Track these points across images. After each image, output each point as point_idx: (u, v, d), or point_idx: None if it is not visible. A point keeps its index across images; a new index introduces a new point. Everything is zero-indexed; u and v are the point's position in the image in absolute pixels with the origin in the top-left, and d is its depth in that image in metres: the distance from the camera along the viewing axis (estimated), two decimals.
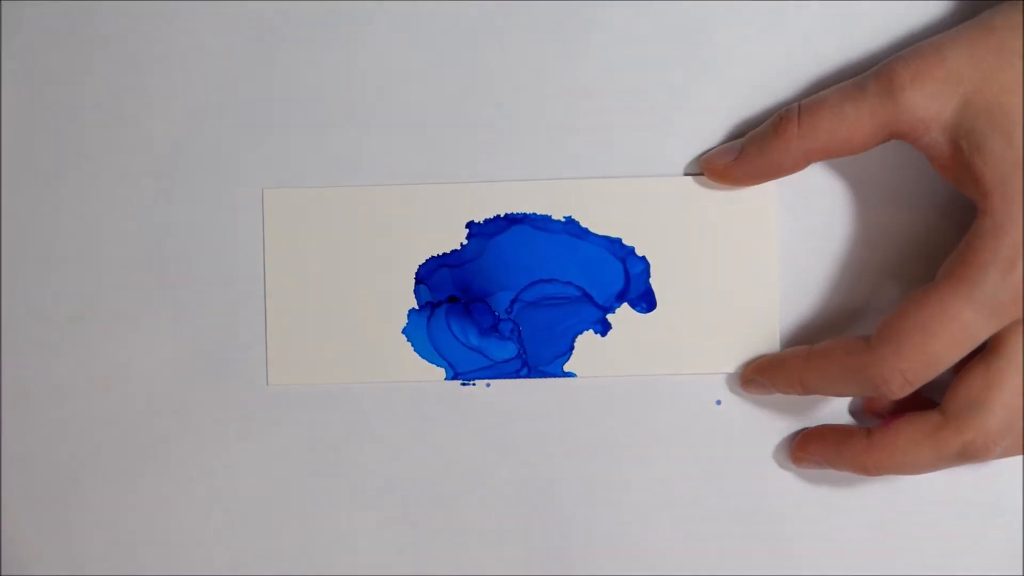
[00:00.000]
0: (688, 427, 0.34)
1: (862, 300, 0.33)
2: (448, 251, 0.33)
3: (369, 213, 0.33)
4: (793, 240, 0.33)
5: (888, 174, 0.33)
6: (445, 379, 0.34)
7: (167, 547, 0.34)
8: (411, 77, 0.33)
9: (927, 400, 0.32)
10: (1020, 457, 0.33)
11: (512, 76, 0.33)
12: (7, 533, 0.35)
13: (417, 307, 0.34)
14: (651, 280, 0.33)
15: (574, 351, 0.33)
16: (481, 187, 0.33)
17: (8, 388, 0.34)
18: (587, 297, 0.33)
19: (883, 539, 0.34)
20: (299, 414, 0.34)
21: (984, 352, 0.29)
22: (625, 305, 0.33)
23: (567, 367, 0.34)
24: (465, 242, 0.33)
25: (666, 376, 0.34)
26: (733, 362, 0.33)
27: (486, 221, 0.33)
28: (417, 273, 0.34)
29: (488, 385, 0.34)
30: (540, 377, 0.34)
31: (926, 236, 0.33)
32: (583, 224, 0.33)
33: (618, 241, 0.33)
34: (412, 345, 0.34)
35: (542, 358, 0.34)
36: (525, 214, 0.33)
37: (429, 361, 0.34)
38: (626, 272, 0.33)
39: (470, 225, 0.33)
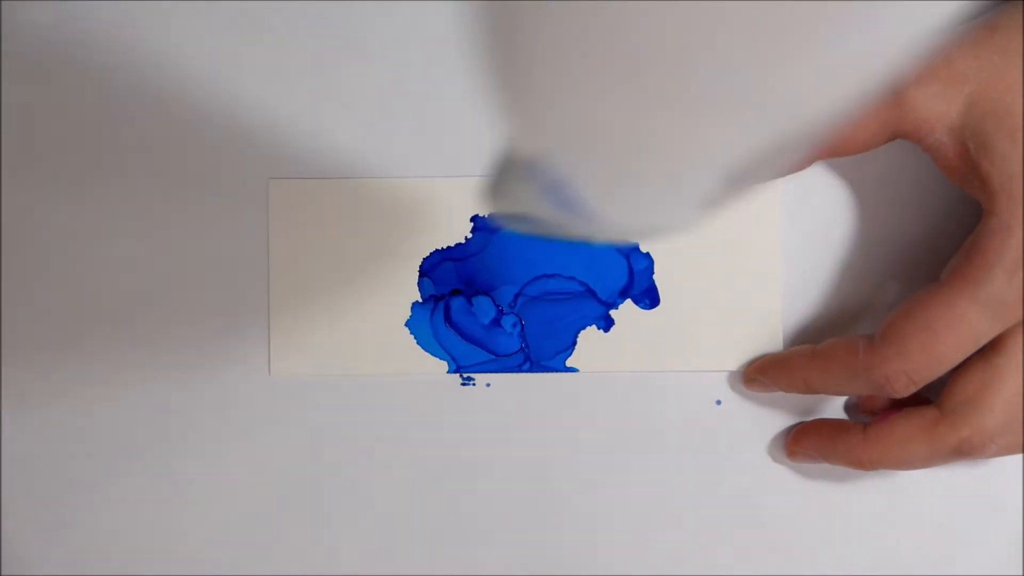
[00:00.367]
0: (688, 426, 0.34)
1: (865, 299, 0.33)
2: (452, 245, 0.33)
3: (374, 205, 0.33)
4: (797, 239, 0.33)
5: (891, 174, 0.33)
6: (447, 372, 0.34)
7: (167, 546, 0.34)
8: (418, 70, 0.33)
9: (923, 397, 0.32)
10: (1020, 457, 0.33)
11: None
12: (7, 533, 0.34)
13: (420, 300, 0.34)
14: (655, 276, 0.33)
15: (577, 346, 0.33)
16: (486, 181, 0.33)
17: (8, 388, 0.34)
18: (590, 292, 0.33)
19: (883, 539, 0.34)
20: (300, 405, 0.34)
21: (984, 350, 0.29)
22: (628, 301, 0.33)
23: (569, 362, 0.34)
24: (470, 236, 0.33)
25: (668, 374, 0.34)
26: (736, 360, 0.33)
27: (491, 215, 0.33)
28: (421, 266, 0.34)
29: (488, 385, 0.34)
30: (542, 372, 0.34)
31: (929, 236, 0.33)
32: None
33: None
34: (415, 338, 0.34)
35: (544, 353, 0.34)
36: None
37: (432, 354, 0.34)
38: (630, 268, 0.33)
39: (475, 219, 0.33)
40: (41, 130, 0.34)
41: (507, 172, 0.21)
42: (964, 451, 0.29)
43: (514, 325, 0.34)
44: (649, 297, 0.33)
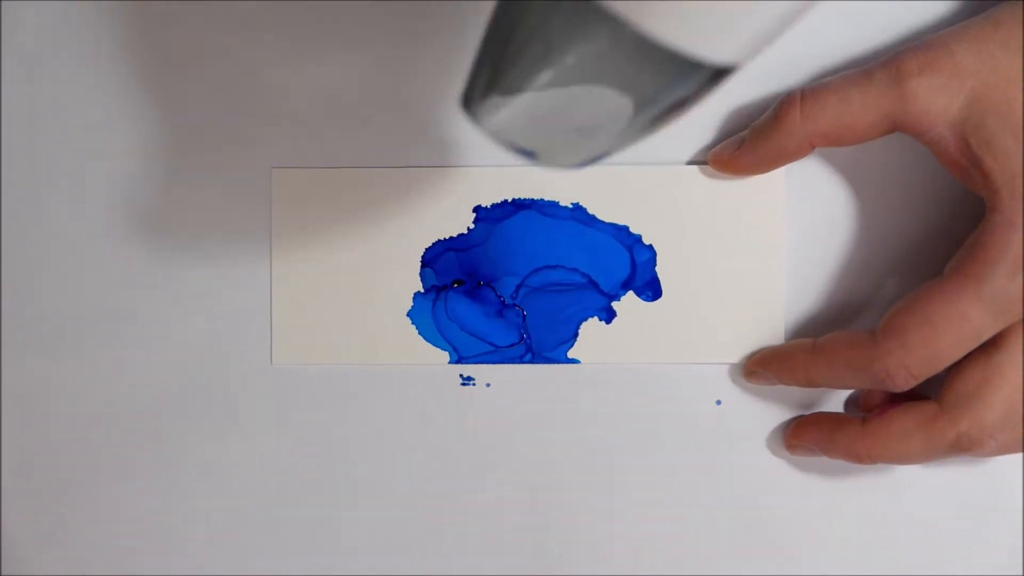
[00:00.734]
0: (688, 422, 0.34)
1: (867, 293, 0.33)
2: (455, 235, 0.33)
3: (377, 195, 0.33)
4: (799, 233, 0.33)
5: (894, 168, 0.33)
6: (449, 363, 0.34)
7: (167, 541, 0.34)
8: (422, 60, 0.33)
9: (922, 394, 0.31)
10: (1020, 457, 0.33)
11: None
12: (7, 533, 0.35)
13: (423, 290, 0.34)
14: (657, 269, 0.33)
15: (578, 338, 0.33)
16: (489, 172, 0.33)
17: (8, 388, 0.34)
18: (593, 284, 0.33)
19: (883, 539, 0.34)
20: (302, 394, 0.34)
21: (985, 346, 0.29)
22: (630, 293, 0.33)
23: (571, 354, 0.34)
24: (472, 226, 0.33)
25: (669, 366, 0.33)
26: (737, 353, 0.33)
27: (493, 206, 0.33)
28: (423, 256, 0.34)
29: (488, 385, 0.34)
30: (544, 363, 0.34)
31: (931, 231, 0.33)
32: (590, 211, 0.33)
33: (625, 229, 0.33)
34: (417, 328, 0.34)
35: (546, 344, 0.34)
36: (533, 200, 0.33)
37: (433, 344, 0.34)
38: (632, 260, 0.33)
39: (477, 209, 0.33)
40: (43, 117, 0.34)
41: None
42: (963, 446, 0.29)
43: (516, 316, 0.34)
44: (651, 289, 0.33)
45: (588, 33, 0.20)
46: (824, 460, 0.33)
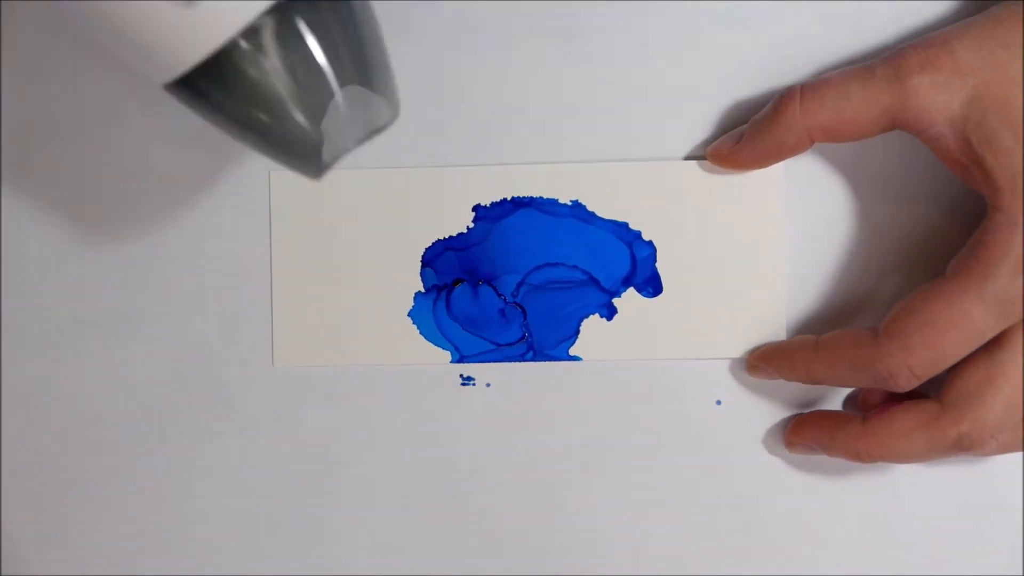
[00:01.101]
0: (688, 424, 0.34)
1: (869, 291, 0.33)
2: (454, 234, 0.33)
3: (375, 196, 0.33)
4: (801, 229, 0.33)
5: (894, 166, 0.33)
6: (451, 362, 0.34)
7: (168, 542, 0.35)
8: (419, 60, 0.33)
9: (921, 392, 0.31)
10: (1020, 457, 0.33)
11: (521, 58, 0.33)
12: (7, 533, 0.35)
13: (423, 290, 0.34)
14: (658, 265, 0.33)
15: (580, 335, 0.33)
16: (488, 170, 0.33)
17: (8, 388, 0.34)
18: (593, 281, 0.33)
19: (883, 539, 0.34)
20: (304, 396, 0.34)
21: (987, 345, 0.29)
22: (631, 289, 0.33)
23: (573, 351, 0.34)
24: (471, 225, 0.33)
25: (671, 363, 0.33)
26: (739, 348, 0.33)
27: (493, 204, 0.33)
28: (423, 256, 0.34)
29: (488, 385, 0.34)
30: (546, 361, 0.34)
31: (933, 228, 0.33)
32: (590, 208, 0.33)
33: (625, 225, 0.33)
34: (418, 328, 0.34)
35: (547, 342, 0.34)
36: (532, 198, 0.33)
37: (435, 344, 0.34)
38: (633, 256, 0.33)
39: (477, 208, 0.33)
40: (43, 117, 0.34)
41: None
42: (964, 445, 0.29)
43: (517, 314, 0.34)
44: (652, 285, 0.33)
45: None
46: (824, 460, 0.33)
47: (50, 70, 0.33)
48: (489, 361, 0.34)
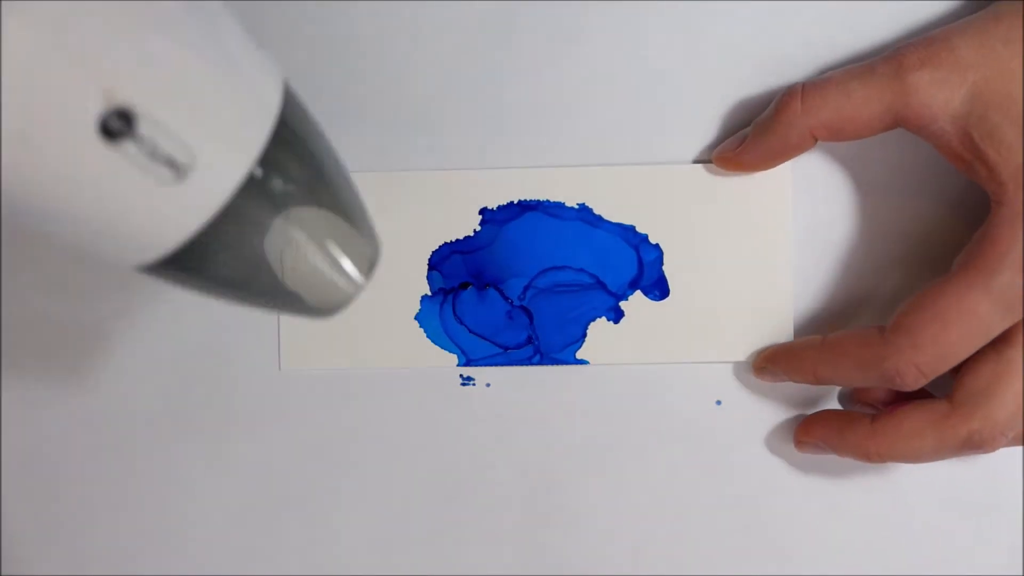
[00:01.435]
0: (687, 424, 0.34)
1: (874, 289, 0.33)
2: (461, 237, 0.33)
3: (382, 199, 0.33)
4: (806, 229, 0.33)
5: (898, 164, 0.33)
6: (457, 365, 0.34)
7: (169, 544, 0.34)
8: (428, 64, 0.33)
9: (925, 391, 0.31)
10: (1020, 457, 0.33)
11: (528, 61, 0.33)
12: (7, 533, 0.35)
13: (430, 293, 0.34)
14: (664, 268, 0.33)
15: (587, 338, 0.33)
16: (495, 174, 0.33)
17: (8, 388, 0.34)
18: (600, 284, 0.33)
19: (883, 539, 0.34)
20: (311, 399, 0.34)
21: (995, 343, 0.29)
22: (638, 292, 0.33)
23: (579, 354, 0.34)
24: (478, 228, 0.33)
25: (676, 367, 0.33)
26: (745, 350, 0.33)
27: (499, 208, 0.33)
28: (430, 259, 0.33)
29: (488, 385, 0.34)
30: (552, 364, 0.34)
31: (939, 226, 0.33)
32: (597, 211, 0.33)
33: (631, 228, 0.33)
34: (424, 331, 0.34)
35: (554, 345, 0.34)
36: (539, 201, 0.33)
37: (441, 347, 0.34)
38: (639, 259, 0.33)
39: (483, 211, 0.33)
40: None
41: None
42: (974, 443, 0.29)
43: (524, 318, 0.33)
44: (659, 288, 0.33)
45: None
46: (824, 460, 0.33)
47: None
48: (496, 365, 0.34)
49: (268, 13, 0.33)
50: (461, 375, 0.34)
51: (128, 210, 0.20)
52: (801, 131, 0.30)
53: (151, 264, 0.22)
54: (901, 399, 0.31)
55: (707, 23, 0.32)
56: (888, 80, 0.29)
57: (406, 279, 0.33)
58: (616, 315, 0.33)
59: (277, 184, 0.22)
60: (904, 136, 0.31)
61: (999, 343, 0.29)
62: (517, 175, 0.33)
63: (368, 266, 0.24)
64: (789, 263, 0.33)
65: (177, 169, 0.20)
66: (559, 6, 0.33)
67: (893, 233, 0.33)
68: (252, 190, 0.22)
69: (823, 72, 0.32)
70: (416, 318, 0.34)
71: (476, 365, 0.34)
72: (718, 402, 0.34)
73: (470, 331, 0.34)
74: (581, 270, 0.33)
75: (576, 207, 0.33)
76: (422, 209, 0.33)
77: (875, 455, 0.30)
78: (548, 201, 0.33)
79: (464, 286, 0.34)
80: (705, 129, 0.33)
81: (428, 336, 0.34)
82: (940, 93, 0.28)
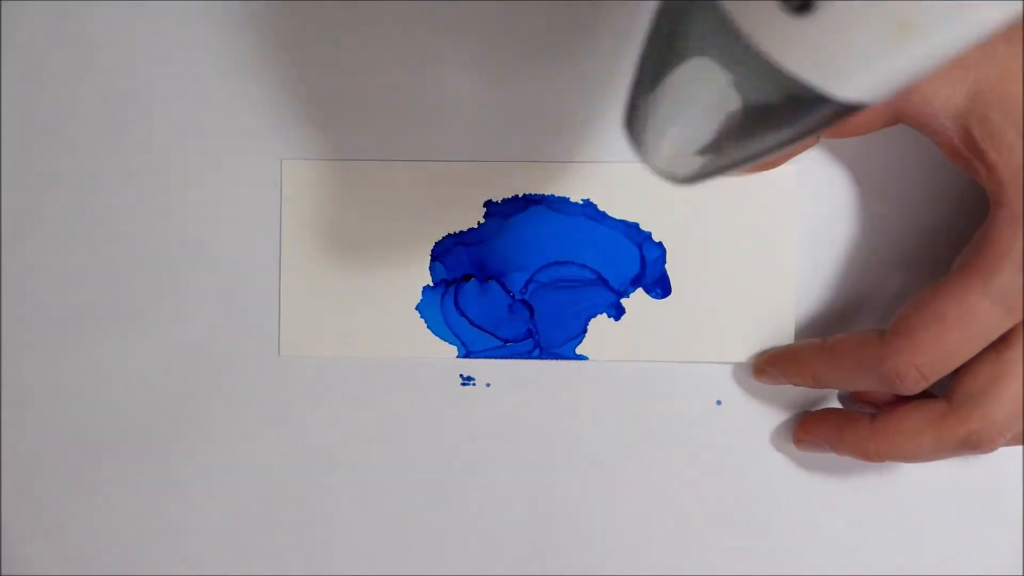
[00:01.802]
0: (687, 424, 0.34)
1: (877, 292, 0.33)
2: (465, 229, 0.33)
3: (387, 188, 0.33)
4: (808, 231, 0.33)
5: (902, 167, 0.33)
6: (457, 357, 0.34)
7: (169, 538, 0.34)
8: (434, 55, 0.33)
9: (927, 390, 0.31)
10: (1020, 457, 0.33)
11: (536, 56, 0.33)
12: (7, 533, 0.34)
13: (432, 284, 0.34)
14: (667, 266, 0.33)
15: (587, 334, 0.33)
16: (500, 167, 0.33)
17: (8, 388, 0.34)
18: (602, 281, 0.33)
19: (882, 538, 0.34)
20: (309, 387, 0.34)
21: (994, 344, 0.29)
22: (640, 290, 0.33)
23: (579, 350, 0.33)
24: (482, 221, 0.33)
25: (677, 365, 0.33)
26: (746, 351, 0.33)
27: (504, 201, 0.33)
28: (433, 250, 0.34)
29: (488, 385, 0.34)
30: (552, 359, 0.34)
31: (941, 228, 0.33)
32: (601, 208, 0.33)
33: (635, 226, 0.33)
34: (425, 322, 0.34)
35: (554, 340, 0.34)
36: (543, 195, 0.33)
37: (441, 338, 0.34)
38: (642, 257, 0.33)
39: (488, 204, 0.33)
40: (43, 117, 0.34)
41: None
42: (973, 444, 0.29)
43: (525, 311, 0.33)
44: (661, 287, 0.33)
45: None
46: (824, 459, 0.33)
47: (50, 70, 0.33)
48: (495, 357, 0.34)
49: (283, 8, 0.33)
50: (461, 375, 0.34)
51: None
52: None
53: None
54: (901, 399, 0.31)
55: None
56: None
57: (408, 269, 0.33)
58: (617, 312, 0.33)
59: None
60: (905, 137, 0.31)
61: (997, 345, 0.29)
62: (523, 169, 0.33)
63: None
64: (792, 264, 0.33)
65: None
66: (570, 4, 0.33)
67: (895, 235, 0.33)
68: None
69: None
70: (417, 308, 0.34)
71: (475, 357, 0.34)
72: (718, 402, 0.34)
73: (471, 323, 0.34)
74: (583, 266, 0.33)
75: (581, 203, 0.33)
76: (427, 200, 0.33)
77: (874, 454, 0.30)
78: (553, 196, 0.33)
79: (466, 278, 0.34)
80: None
81: (429, 327, 0.34)
82: (942, 90, 0.28)
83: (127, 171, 0.34)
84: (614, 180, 0.33)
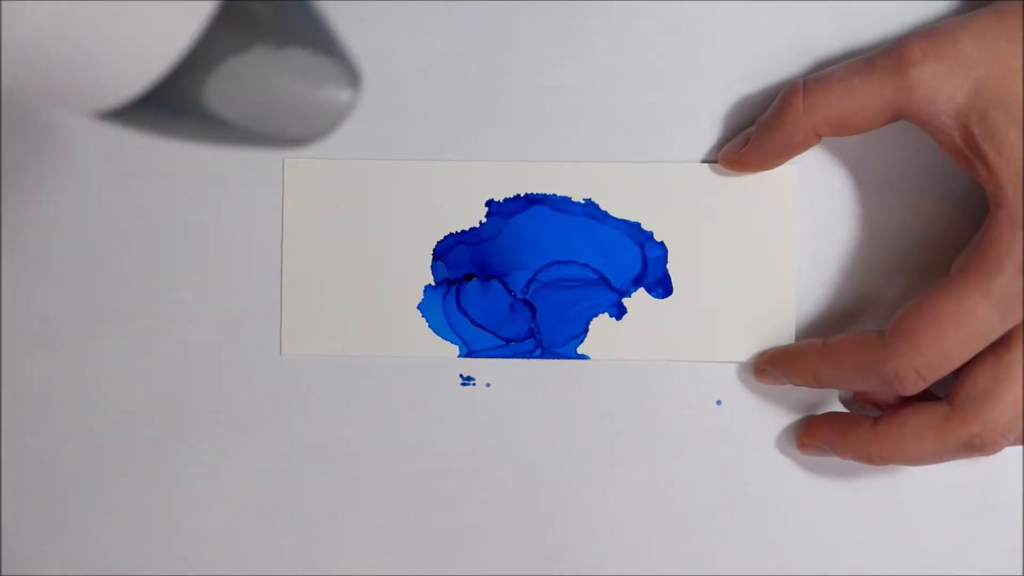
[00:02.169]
0: (688, 424, 0.34)
1: (876, 291, 0.33)
2: (467, 228, 0.33)
3: (389, 187, 0.33)
4: (809, 231, 0.33)
5: (903, 166, 0.33)
6: (458, 356, 0.34)
7: (170, 538, 0.34)
8: (437, 54, 0.33)
9: (928, 392, 0.31)
10: (1020, 457, 0.33)
11: (538, 56, 0.33)
12: (7, 533, 0.34)
13: (433, 283, 0.34)
14: (668, 266, 0.33)
15: (588, 334, 0.34)
16: (502, 166, 0.33)
17: (8, 388, 0.34)
18: (604, 280, 0.33)
19: (882, 538, 0.34)
20: (312, 386, 0.34)
21: (994, 346, 0.29)
22: (641, 290, 0.33)
23: (580, 349, 0.34)
24: (484, 220, 0.33)
25: (678, 364, 0.34)
26: (747, 351, 0.33)
27: (506, 200, 0.33)
28: (435, 249, 0.34)
29: (488, 385, 0.34)
30: (554, 358, 0.34)
31: (942, 229, 0.33)
32: (603, 207, 0.33)
33: (637, 226, 0.33)
34: (427, 321, 0.34)
35: (556, 339, 0.34)
36: (545, 195, 0.33)
37: (443, 337, 0.34)
38: (644, 257, 0.33)
39: (490, 203, 0.33)
40: (42, 116, 0.34)
41: None
42: (975, 446, 0.29)
43: (526, 311, 0.34)
44: (662, 286, 0.33)
45: None
46: (824, 460, 0.33)
47: None
48: (497, 357, 0.34)
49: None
50: (461, 375, 0.34)
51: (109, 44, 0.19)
52: (804, 128, 0.30)
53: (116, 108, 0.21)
54: (903, 401, 0.31)
55: (717, 22, 0.33)
56: (890, 74, 0.29)
57: (411, 268, 0.34)
58: (618, 311, 0.33)
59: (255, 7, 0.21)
60: (906, 136, 0.31)
61: (998, 346, 0.29)
62: (525, 168, 0.33)
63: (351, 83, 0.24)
64: (793, 265, 0.33)
65: None
66: (571, 3, 0.33)
67: (897, 235, 0.33)
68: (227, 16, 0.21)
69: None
70: (419, 307, 0.34)
71: (477, 356, 0.34)
72: (718, 402, 0.34)
73: (473, 322, 0.34)
74: (585, 265, 0.33)
75: (582, 202, 0.33)
76: (429, 199, 0.33)
77: (877, 458, 0.30)
78: (555, 195, 0.33)
79: (468, 277, 0.34)
80: (713, 129, 0.33)
81: (430, 326, 0.34)
82: (943, 87, 0.28)
83: (128, 171, 0.34)
84: (616, 180, 0.33)
